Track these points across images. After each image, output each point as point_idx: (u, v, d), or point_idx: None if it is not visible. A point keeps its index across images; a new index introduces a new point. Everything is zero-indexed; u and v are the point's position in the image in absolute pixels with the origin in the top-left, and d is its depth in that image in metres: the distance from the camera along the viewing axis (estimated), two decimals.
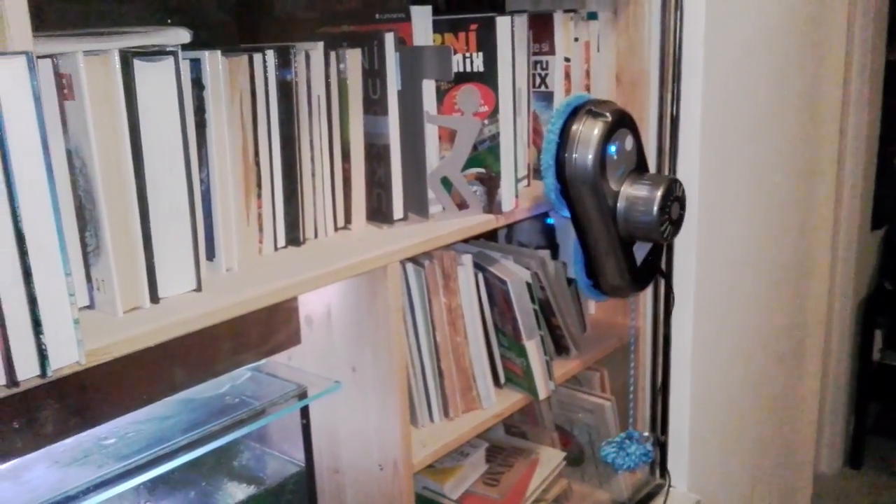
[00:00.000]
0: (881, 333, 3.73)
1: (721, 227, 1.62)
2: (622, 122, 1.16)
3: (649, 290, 1.54)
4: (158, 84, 0.80)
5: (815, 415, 2.47)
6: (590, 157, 1.12)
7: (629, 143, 1.16)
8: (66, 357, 0.66)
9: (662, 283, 1.55)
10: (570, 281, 1.42)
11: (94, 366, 0.70)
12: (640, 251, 1.23)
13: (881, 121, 3.39)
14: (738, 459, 1.91)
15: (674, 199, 1.15)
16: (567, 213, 1.18)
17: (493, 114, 1.11)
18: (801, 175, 2.06)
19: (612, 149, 1.13)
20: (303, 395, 0.99)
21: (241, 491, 0.97)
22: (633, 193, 1.15)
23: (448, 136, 1.14)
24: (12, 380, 0.64)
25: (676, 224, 1.17)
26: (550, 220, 1.23)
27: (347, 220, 1.09)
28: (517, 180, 1.17)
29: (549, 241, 1.51)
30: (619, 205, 1.16)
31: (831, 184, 2.37)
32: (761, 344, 1.95)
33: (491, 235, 1.50)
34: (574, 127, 1.14)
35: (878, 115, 3.36)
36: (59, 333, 0.65)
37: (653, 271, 1.28)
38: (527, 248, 1.35)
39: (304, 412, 0.99)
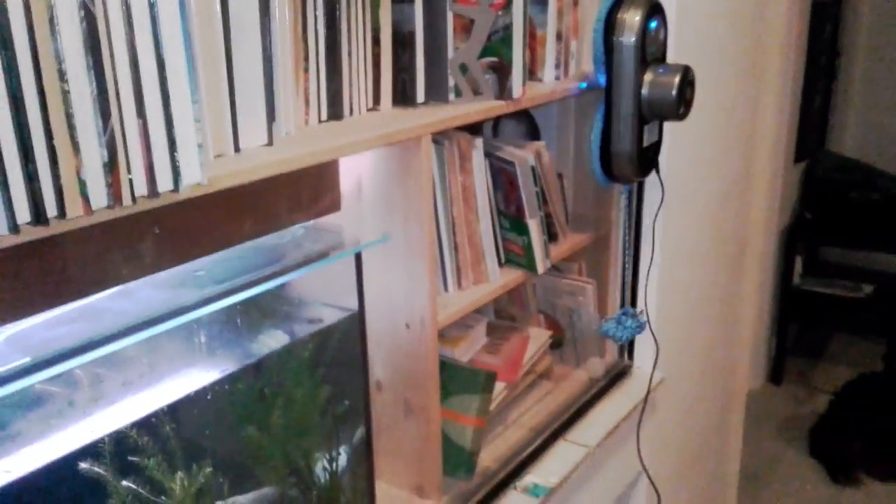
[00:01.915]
0: (801, 260, 4.05)
1: (683, 142, 1.78)
2: (659, 9, 1.41)
3: (622, 191, 1.70)
4: None
5: (753, 319, 2.70)
6: (634, 33, 1.38)
7: (661, 31, 1.38)
8: (193, 177, 0.76)
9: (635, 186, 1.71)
10: (560, 175, 1.57)
11: (186, 205, 0.80)
12: (647, 138, 1.42)
13: (806, 60, 3.64)
14: (692, 349, 2.12)
15: (688, 83, 1.34)
16: (604, 82, 1.40)
17: (507, 5, 1.23)
18: (745, 105, 2.25)
19: (653, 24, 1.36)
20: (356, 244, 1.10)
21: (303, 328, 1.08)
22: (655, 78, 1.38)
23: (462, 28, 1.25)
24: (154, 191, 0.73)
25: (688, 105, 1.39)
26: (584, 85, 1.43)
27: (376, 101, 1.19)
28: (525, 70, 1.29)
29: (533, 138, 1.65)
30: (643, 88, 1.38)
31: (772, 117, 2.56)
32: (712, 249, 2.15)
33: (475, 132, 1.62)
34: (619, 14, 1.39)
35: (803, 55, 3.61)
36: (187, 154, 0.75)
37: (652, 162, 1.45)
38: (523, 140, 1.49)
39: (358, 258, 1.11)
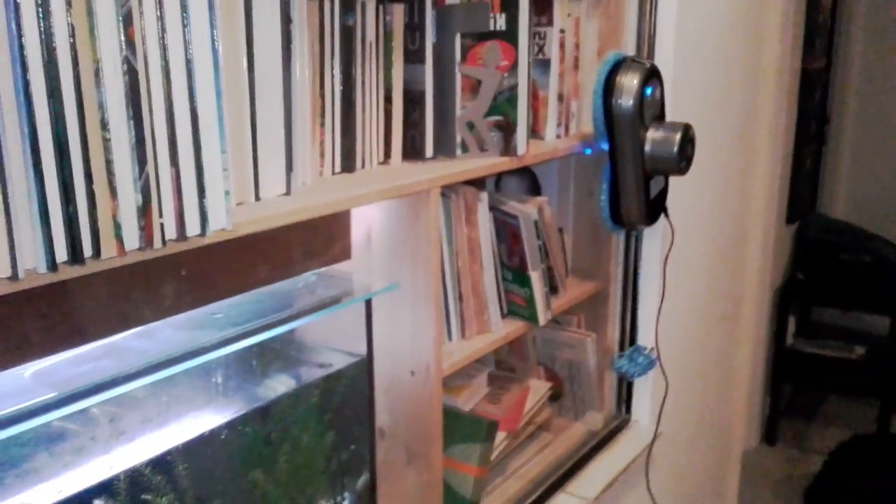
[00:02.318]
0: (794, 320, 4.08)
1: (682, 199, 1.84)
2: (655, 72, 1.46)
3: (622, 243, 1.75)
4: (267, 12, 0.94)
5: (748, 379, 2.72)
6: (632, 98, 1.43)
7: (658, 93, 1.44)
8: (219, 222, 0.80)
9: (633, 240, 1.76)
10: (560, 230, 1.61)
11: (209, 250, 0.84)
12: (653, 189, 1.49)
13: (796, 125, 3.74)
14: (689, 405, 2.14)
15: (688, 140, 1.40)
16: (606, 146, 1.46)
17: (513, 68, 1.29)
18: (739, 168, 2.32)
19: (648, 91, 1.41)
20: (367, 290, 1.13)
21: (312, 373, 1.10)
22: (657, 135, 1.45)
23: (469, 88, 1.31)
24: (182, 235, 0.77)
25: (689, 160, 1.45)
26: (588, 151, 1.51)
27: (387, 155, 1.24)
28: (529, 129, 1.35)
29: (534, 194, 1.70)
30: (646, 145, 1.44)
31: (764, 179, 2.63)
32: (708, 305, 2.19)
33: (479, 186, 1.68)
34: (618, 78, 1.44)
35: (794, 120, 3.71)
36: (215, 201, 0.79)
37: (659, 210, 1.52)
38: (525, 196, 1.54)
39: (368, 305, 1.14)
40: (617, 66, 1.48)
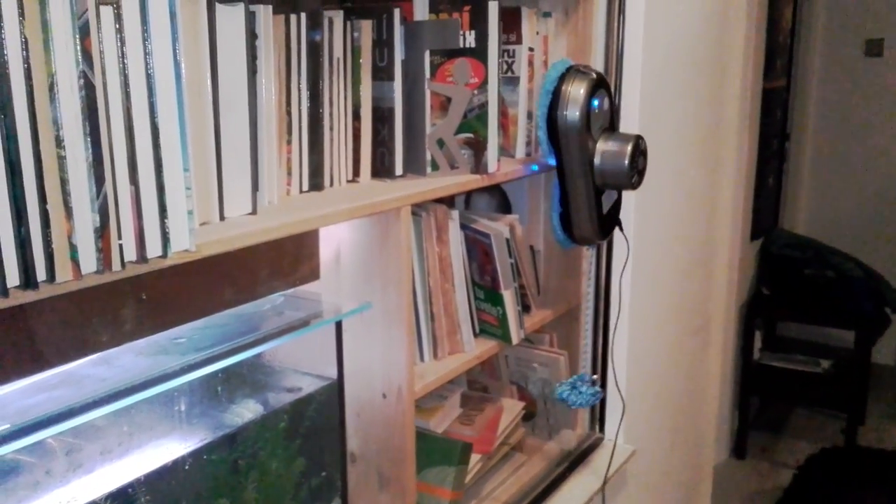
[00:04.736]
0: (760, 335, 4.11)
1: (650, 215, 1.84)
2: (602, 83, 1.40)
3: (593, 260, 1.74)
4: (231, 27, 0.91)
5: (718, 393, 2.73)
6: (578, 109, 1.36)
7: (605, 103, 1.39)
8: (181, 243, 0.76)
9: (605, 254, 1.75)
10: (531, 248, 1.60)
11: (171, 271, 0.80)
12: (606, 203, 1.44)
13: (759, 143, 3.79)
14: (661, 421, 2.13)
15: (640, 152, 1.36)
16: (554, 161, 1.41)
17: (483, 85, 1.27)
18: (705, 185, 2.33)
19: (595, 103, 1.36)
20: (337, 312, 1.10)
21: (281, 398, 1.06)
22: (607, 148, 1.39)
23: (439, 105, 1.29)
24: (142, 256, 0.73)
25: (641, 174, 1.40)
26: (535, 168, 1.46)
27: (356, 173, 1.22)
28: (499, 146, 1.33)
29: (505, 212, 1.68)
30: (595, 158, 1.39)
31: (729, 196, 2.65)
32: (678, 321, 2.19)
33: (450, 205, 1.65)
34: (563, 87, 1.38)
35: (756, 138, 3.76)
36: (177, 221, 0.76)
37: (613, 224, 1.48)
38: (497, 214, 1.52)
39: (338, 326, 1.11)
40: (563, 77, 1.42)
